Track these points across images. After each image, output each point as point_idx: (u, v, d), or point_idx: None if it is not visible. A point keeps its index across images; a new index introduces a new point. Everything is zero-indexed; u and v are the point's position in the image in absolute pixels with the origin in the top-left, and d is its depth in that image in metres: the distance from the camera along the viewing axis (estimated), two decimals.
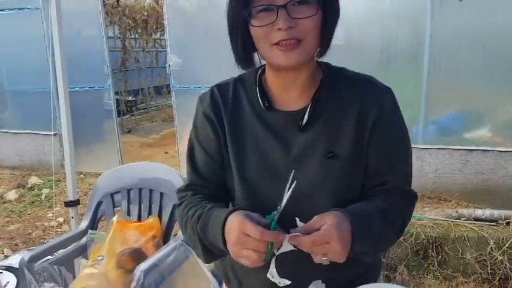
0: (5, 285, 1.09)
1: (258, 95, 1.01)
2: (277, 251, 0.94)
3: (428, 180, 4.13)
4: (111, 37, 8.39)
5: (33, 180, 5.11)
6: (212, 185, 1.07)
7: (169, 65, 4.98)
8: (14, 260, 2.04)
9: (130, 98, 9.62)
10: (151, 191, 2.07)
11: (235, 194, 1.04)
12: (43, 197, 4.51)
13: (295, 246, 0.87)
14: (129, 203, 2.10)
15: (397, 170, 1.02)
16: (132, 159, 5.99)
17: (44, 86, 4.62)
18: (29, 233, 3.91)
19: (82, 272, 1.74)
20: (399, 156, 1.02)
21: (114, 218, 1.90)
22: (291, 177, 0.86)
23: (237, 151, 1.02)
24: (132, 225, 1.93)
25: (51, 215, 4.13)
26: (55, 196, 3.84)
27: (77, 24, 5.36)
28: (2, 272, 1.18)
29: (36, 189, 4.90)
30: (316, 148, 0.97)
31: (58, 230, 3.85)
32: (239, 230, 0.83)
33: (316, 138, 0.98)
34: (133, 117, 9.45)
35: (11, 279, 1.14)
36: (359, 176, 1.00)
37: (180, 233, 1.98)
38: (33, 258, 1.83)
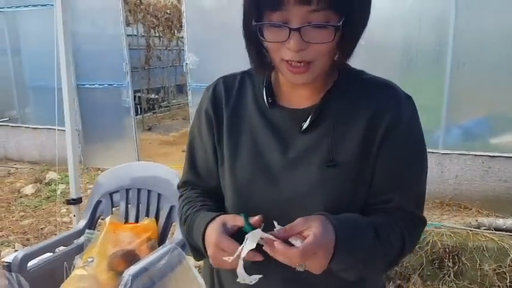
0: None
1: (264, 90, 0.95)
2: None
3: (448, 186, 3.99)
4: (135, 35, 8.47)
5: (51, 175, 5.17)
6: (209, 183, 1.03)
7: (186, 64, 4.97)
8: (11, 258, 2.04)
9: (152, 96, 9.71)
10: (149, 191, 2.03)
11: (226, 195, 0.98)
12: (59, 192, 4.55)
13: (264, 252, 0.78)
14: (127, 204, 2.06)
15: (405, 189, 0.90)
16: (150, 157, 6.02)
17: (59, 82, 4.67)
18: (41, 228, 3.94)
19: (72, 273, 1.71)
20: (410, 173, 0.90)
21: (107, 219, 1.86)
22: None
23: (232, 148, 0.95)
24: (126, 227, 1.89)
25: (64, 210, 4.16)
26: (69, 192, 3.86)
27: (99, 21, 5.42)
28: None
29: (53, 185, 4.95)
30: (316, 153, 0.88)
31: (70, 226, 3.87)
32: (215, 246, 0.82)
33: (319, 142, 0.89)
34: (155, 115, 9.52)
35: None
36: (361, 191, 0.89)
37: (175, 236, 1.93)
38: (27, 257, 1.81)
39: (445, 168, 3.99)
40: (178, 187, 1.11)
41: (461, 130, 4.02)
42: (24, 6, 5.63)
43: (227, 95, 0.99)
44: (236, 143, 0.95)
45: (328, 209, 0.83)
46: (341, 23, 0.77)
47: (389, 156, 0.87)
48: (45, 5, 5.39)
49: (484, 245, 3.05)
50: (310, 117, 0.89)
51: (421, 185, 0.92)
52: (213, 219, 0.87)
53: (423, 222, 0.94)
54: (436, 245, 3.13)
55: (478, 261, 3.01)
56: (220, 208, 0.98)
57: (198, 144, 1.03)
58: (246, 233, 0.78)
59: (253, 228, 0.79)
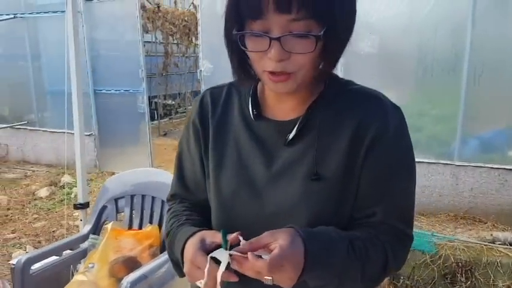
0: None
1: (249, 102, 0.94)
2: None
3: (462, 199, 3.89)
4: (153, 42, 8.58)
5: (66, 178, 5.24)
6: (197, 196, 1.02)
7: (200, 71, 5.00)
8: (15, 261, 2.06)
9: (169, 102, 9.80)
10: (153, 198, 2.03)
11: (211, 207, 0.96)
12: (72, 195, 4.61)
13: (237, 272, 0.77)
14: (131, 210, 2.06)
15: (389, 202, 0.86)
16: (164, 162, 6.05)
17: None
18: (53, 231, 3.99)
19: (73, 279, 1.71)
20: (395, 186, 0.86)
21: (109, 225, 1.87)
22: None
23: (217, 160, 0.95)
24: (128, 233, 1.89)
25: (77, 214, 4.19)
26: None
27: (118, 28, 5.51)
28: None
29: (67, 188, 5.01)
30: (301, 165, 0.87)
31: None
32: (190, 262, 0.81)
33: (303, 154, 0.87)
34: (171, 121, 9.60)
35: None
36: (347, 204, 0.87)
37: None
38: (30, 261, 1.83)
39: (460, 181, 3.90)
40: (167, 200, 1.10)
41: (477, 141, 3.92)
42: (44, 13, 5.75)
43: (213, 106, 0.98)
44: (221, 155, 0.95)
45: (312, 223, 0.82)
46: (322, 32, 0.75)
47: (374, 167, 0.85)
48: (64, 11, 5.49)
49: (498, 261, 2.97)
50: (295, 129, 0.87)
51: (408, 198, 0.89)
52: (193, 234, 0.86)
53: (409, 237, 0.90)
54: (448, 259, 3.06)
55: (492, 277, 2.94)
56: (206, 222, 0.97)
57: (186, 157, 1.02)
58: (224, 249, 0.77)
59: (231, 246, 0.77)
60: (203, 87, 5.00)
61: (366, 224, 0.87)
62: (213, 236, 0.83)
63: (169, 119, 9.70)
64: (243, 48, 0.81)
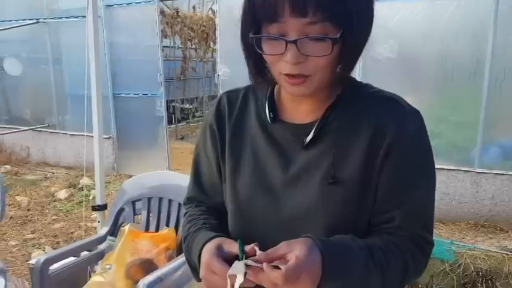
0: None
1: (266, 105, 0.94)
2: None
3: (483, 207, 3.83)
4: (172, 47, 8.66)
5: (85, 181, 5.31)
6: (214, 200, 1.02)
7: (218, 75, 5.03)
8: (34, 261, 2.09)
9: (187, 106, 9.87)
10: (170, 201, 2.04)
11: (228, 210, 0.96)
12: (91, 197, 4.66)
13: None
14: (148, 212, 2.08)
15: (408, 207, 0.84)
16: (181, 165, 6.08)
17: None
18: (71, 232, 4.04)
19: (90, 280, 1.73)
20: (414, 191, 0.84)
21: (127, 227, 1.88)
22: None
23: (234, 163, 0.94)
24: (145, 235, 1.90)
25: (94, 215, 4.24)
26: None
27: (137, 33, 5.58)
28: None
29: (85, 190, 5.08)
30: (318, 169, 0.86)
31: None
32: (206, 267, 0.81)
33: (320, 158, 0.86)
34: (188, 125, 9.66)
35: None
36: (364, 208, 0.85)
37: None
38: (49, 261, 1.85)
39: (480, 188, 3.83)
40: (184, 203, 1.10)
41: (498, 149, 3.86)
42: (66, 18, 5.86)
43: (230, 109, 0.98)
44: (238, 158, 0.94)
45: (329, 227, 0.81)
46: (339, 35, 0.74)
47: (393, 172, 0.84)
48: (85, 16, 5.58)
49: None
50: (312, 132, 0.87)
51: (427, 203, 0.87)
52: (210, 239, 0.86)
53: (429, 243, 0.88)
54: (468, 268, 3.01)
55: None
56: (223, 226, 0.97)
57: (203, 160, 1.03)
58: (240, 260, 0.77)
59: (247, 256, 0.76)
60: (221, 92, 5.02)
61: (385, 230, 0.85)
62: (231, 245, 0.82)
63: (187, 123, 9.76)
64: (259, 51, 0.81)
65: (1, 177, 2.53)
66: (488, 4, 3.64)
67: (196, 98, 10.30)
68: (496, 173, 3.77)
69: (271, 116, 0.92)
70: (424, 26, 3.94)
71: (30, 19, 6.07)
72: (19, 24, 6.12)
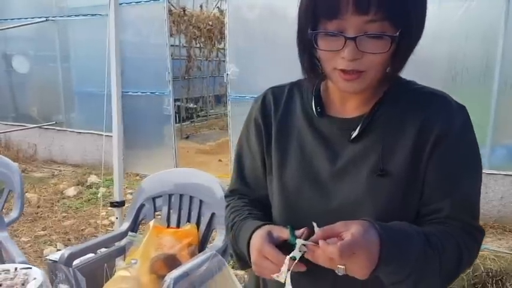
0: (23, 284, 1.08)
1: (313, 100, 0.96)
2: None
3: (492, 208, 3.85)
4: (177, 45, 8.67)
5: (92, 178, 5.34)
6: (257, 192, 1.04)
7: (227, 74, 5.04)
8: (56, 256, 2.11)
9: (191, 105, 9.88)
10: (191, 197, 2.06)
11: (274, 203, 0.99)
12: (99, 195, 4.68)
13: (308, 261, 0.78)
14: (169, 209, 2.10)
15: (456, 198, 0.86)
16: (187, 165, 6.10)
17: (109, 89, 4.87)
18: (82, 229, 4.06)
19: (116, 274, 1.75)
20: (462, 182, 0.87)
21: (151, 222, 1.90)
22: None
23: (280, 156, 0.97)
24: (169, 231, 1.92)
25: (104, 213, 4.26)
26: (110, 195, 3.97)
27: (145, 31, 5.59)
28: (31, 268, 1.19)
29: (94, 188, 5.10)
30: (365, 162, 0.88)
31: (109, 228, 3.97)
32: (258, 252, 0.84)
33: (367, 151, 0.88)
34: (193, 124, 9.67)
35: (37, 276, 1.14)
36: (412, 201, 0.88)
37: (215, 242, 1.95)
38: (73, 256, 1.87)
39: (489, 189, 3.86)
40: (226, 196, 1.13)
41: (507, 150, 3.88)
42: (75, 16, 5.88)
43: (276, 105, 1.00)
44: (285, 152, 0.97)
45: (378, 219, 0.82)
46: (398, 33, 0.77)
47: (440, 164, 0.86)
48: (95, 14, 5.62)
49: None
50: (359, 126, 0.89)
51: (474, 194, 0.89)
52: (259, 226, 0.89)
53: (479, 230, 0.90)
54: (478, 269, 3.02)
55: None
56: (267, 218, 0.99)
57: (246, 154, 1.05)
58: (291, 245, 0.79)
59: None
60: (229, 91, 5.05)
61: (435, 220, 0.87)
62: (280, 232, 0.85)
63: (191, 122, 9.77)
64: (316, 47, 0.83)
65: (16, 168, 2.53)
66: (499, 6, 3.66)
67: (202, 97, 10.31)
68: (505, 174, 3.80)
69: (318, 110, 0.94)
70: (433, 27, 3.93)
71: (39, 17, 6.09)
72: (28, 22, 6.14)
